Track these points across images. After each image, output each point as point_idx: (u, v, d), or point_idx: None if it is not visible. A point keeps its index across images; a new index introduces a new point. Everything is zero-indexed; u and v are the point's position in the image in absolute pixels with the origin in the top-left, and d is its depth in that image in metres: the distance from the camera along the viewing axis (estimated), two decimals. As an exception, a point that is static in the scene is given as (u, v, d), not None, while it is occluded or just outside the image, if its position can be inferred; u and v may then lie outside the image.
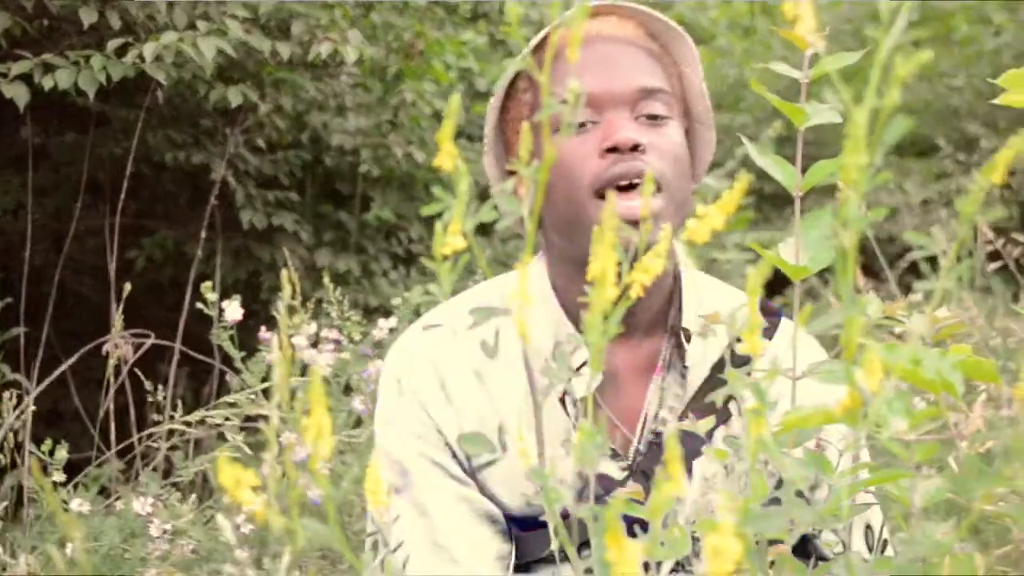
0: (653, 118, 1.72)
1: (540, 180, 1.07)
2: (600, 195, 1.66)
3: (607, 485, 1.68)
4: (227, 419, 2.41)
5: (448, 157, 1.04)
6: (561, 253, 1.77)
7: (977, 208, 1.00)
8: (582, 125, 1.69)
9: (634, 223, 1.57)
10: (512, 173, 1.80)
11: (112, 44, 3.43)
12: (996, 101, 1.30)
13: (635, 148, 1.67)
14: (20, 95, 3.34)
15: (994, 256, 4.64)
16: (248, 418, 2.50)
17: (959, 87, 7.56)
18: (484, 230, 4.72)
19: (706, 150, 1.86)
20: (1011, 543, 1.61)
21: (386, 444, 1.77)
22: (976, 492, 1.02)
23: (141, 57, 3.39)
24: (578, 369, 1.70)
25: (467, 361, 1.76)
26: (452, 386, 1.76)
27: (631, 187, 1.66)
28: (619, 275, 1.05)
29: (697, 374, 1.77)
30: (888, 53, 1.00)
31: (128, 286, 2.82)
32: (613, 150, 1.66)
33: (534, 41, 1.70)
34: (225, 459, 0.89)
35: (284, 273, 1.43)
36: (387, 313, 3.16)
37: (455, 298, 1.84)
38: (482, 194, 1.72)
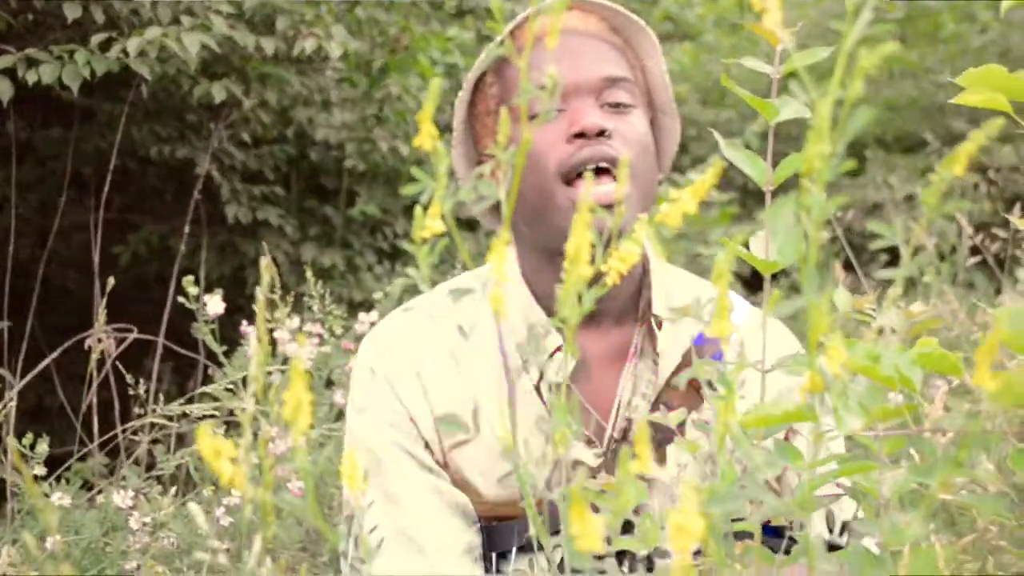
0: (617, 106, 1.74)
1: (518, 163, 1.08)
2: (567, 181, 1.69)
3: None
4: (213, 412, 2.41)
5: (428, 137, 1.05)
6: (529, 242, 1.78)
7: (939, 198, 1.01)
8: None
9: (606, 207, 1.61)
10: (481, 162, 1.82)
11: (96, 39, 3.43)
12: (954, 101, 1.31)
13: (601, 133, 1.69)
14: (3, 90, 3.34)
15: (977, 251, 4.66)
16: (231, 412, 2.51)
17: (945, 84, 7.59)
18: (470, 225, 4.72)
19: (670, 140, 1.87)
20: (976, 532, 1.62)
21: (358, 431, 1.78)
22: (935, 480, 1.03)
23: (125, 52, 3.39)
24: (551, 354, 1.72)
25: (443, 344, 1.77)
26: (427, 370, 1.76)
27: (600, 172, 1.67)
28: (592, 258, 1.05)
29: (669, 361, 1.78)
30: (853, 46, 1.01)
31: (111, 280, 2.82)
32: (580, 135, 1.69)
33: (503, 34, 1.70)
34: (206, 428, 0.90)
35: (263, 262, 1.43)
36: (371, 307, 3.16)
37: (435, 288, 1.85)
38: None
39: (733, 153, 1.35)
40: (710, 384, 1.13)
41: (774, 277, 1.29)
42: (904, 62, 8.23)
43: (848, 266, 4.35)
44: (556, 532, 1.62)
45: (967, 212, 5.34)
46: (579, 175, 1.67)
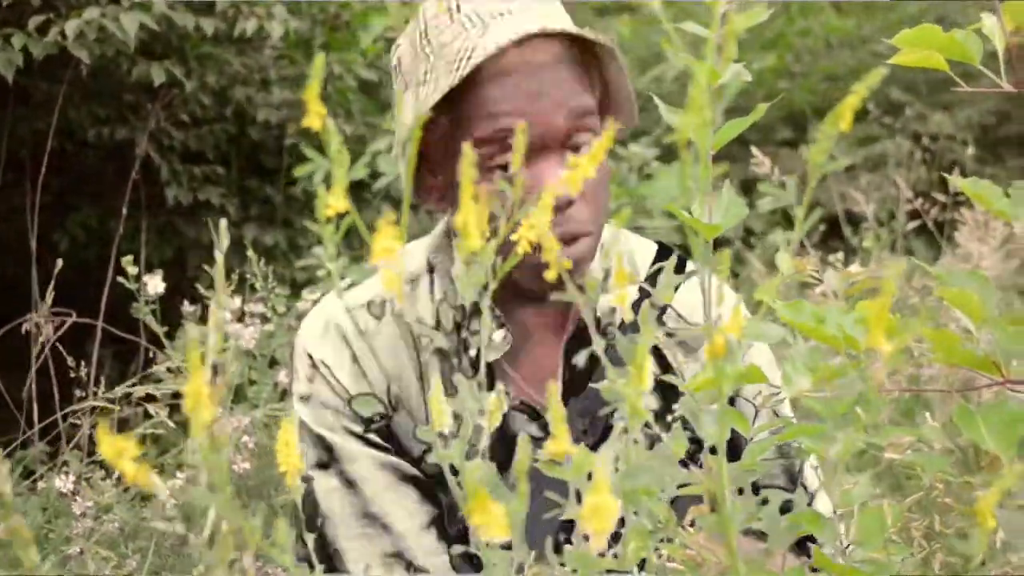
0: (579, 150, 1.65)
1: (410, 157, 1.07)
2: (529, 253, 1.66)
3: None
4: (150, 396, 2.40)
5: (316, 116, 1.01)
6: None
7: (824, 157, 1.00)
8: (507, 169, 1.63)
9: (575, 238, 1.64)
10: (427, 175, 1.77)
11: (33, 21, 3.40)
12: (893, 60, 1.31)
13: (569, 204, 1.64)
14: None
15: (916, 215, 4.70)
16: (176, 395, 2.49)
17: (880, 52, 7.65)
18: (415, 206, 4.70)
19: (629, 121, 1.82)
20: (922, 490, 1.63)
21: (307, 419, 1.78)
22: (884, 441, 1.03)
23: (63, 34, 3.36)
24: (471, 334, 1.73)
25: (357, 324, 1.78)
26: (358, 352, 1.77)
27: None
28: (495, 230, 1.05)
29: (609, 329, 1.78)
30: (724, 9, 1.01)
31: (60, 263, 2.80)
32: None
33: (463, 70, 1.62)
34: (104, 430, 0.88)
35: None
36: (313, 284, 3.16)
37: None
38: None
39: (672, 116, 1.34)
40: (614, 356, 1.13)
41: (715, 245, 1.29)
42: (841, 31, 8.27)
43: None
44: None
45: (906, 179, 5.39)
46: None
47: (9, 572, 1.84)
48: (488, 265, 1.06)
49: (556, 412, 0.96)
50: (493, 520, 0.89)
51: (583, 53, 1.71)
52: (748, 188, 5.59)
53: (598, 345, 1.14)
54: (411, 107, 1.71)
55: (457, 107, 1.65)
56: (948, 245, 4.60)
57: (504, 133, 1.62)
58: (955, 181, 1.23)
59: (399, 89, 1.77)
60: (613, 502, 0.85)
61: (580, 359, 1.31)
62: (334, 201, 1.02)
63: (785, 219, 5.56)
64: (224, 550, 1.01)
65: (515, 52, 1.63)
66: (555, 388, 0.99)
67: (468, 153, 1.01)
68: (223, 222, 1.20)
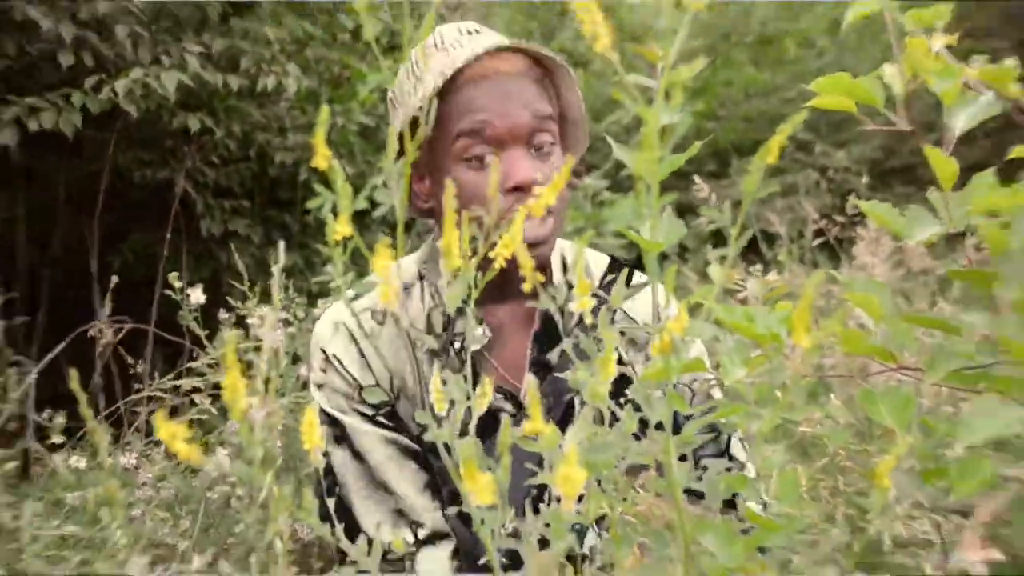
0: (541, 149, 1.69)
1: (406, 176, 1.08)
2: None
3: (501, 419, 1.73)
4: (195, 388, 2.40)
5: (323, 158, 1.03)
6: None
7: (755, 187, 1.03)
8: (482, 159, 1.65)
9: (538, 244, 1.66)
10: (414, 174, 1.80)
11: (89, 81, 3.39)
12: (808, 104, 1.32)
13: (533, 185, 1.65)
14: (9, 138, 3.32)
15: (819, 234, 4.75)
16: (216, 386, 2.50)
17: (791, 98, 7.70)
18: (408, 227, 4.72)
19: (580, 146, 1.86)
20: (828, 457, 1.65)
21: (322, 403, 1.79)
22: (798, 417, 1.05)
23: (115, 92, 3.36)
24: (456, 334, 1.75)
25: (365, 326, 1.79)
26: (364, 348, 1.78)
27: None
28: (475, 250, 1.07)
29: (570, 328, 1.80)
30: (673, 62, 1.03)
31: (115, 278, 2.82)
32: (517, 189, 1.65)
33: (442, 78, 1.65)
34: (161, 418, 0.90)
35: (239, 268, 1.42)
36: (326, 295, 3.16)
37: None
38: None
39: (624, 153, 1.35)
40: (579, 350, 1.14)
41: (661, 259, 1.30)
42: (757, 82, 8.32)
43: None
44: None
45: (812, 203, 5.43)
46: None
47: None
48: (470, 277, 1.08)
49: (533, 399, 0.97)
50: (481, 488, 0.91)
51: (543, 73, 1.75)
52: (682, 212, 5.62)
53: (567, 343, 1.16)
54: (401, 114, 1.73)
55: (441, 107, 1.67)
56: (846, 258, 4.65)
57: (481, 124, 1.65)
58: (860, 205, 1.25)
59: (392, 119, 1.80)
60: (581, 472, 0.87)
61: (553, 356, 1.33)
62: (341, 228, 1.04)
63: (713, 237, 5.58)
64: (272, 511, 1.02)
65: (488, 61, 1.68)
66: (532, 380, 1.01)
67: (450, 187, 1.03)
68: (281, 244, 1.22)
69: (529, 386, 0.98)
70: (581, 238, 1.18)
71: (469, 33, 1.75)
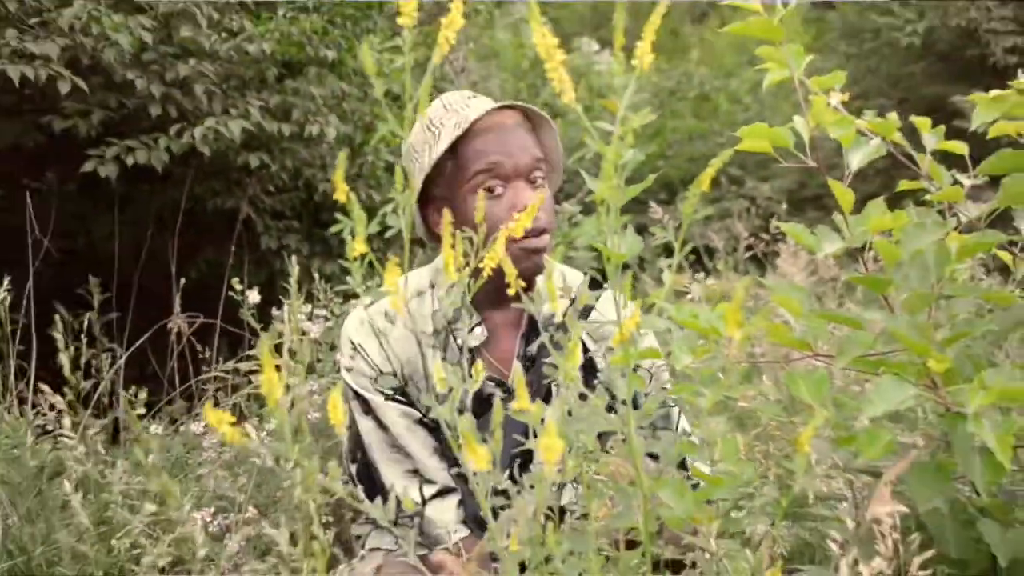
0: (534, 182, 1.73)
1: (412, 203, 1.06)
2: (513, 241, 1.67)
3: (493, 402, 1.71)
4: (252, 370, 2.38)
5: (341, 192, 1.07)
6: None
7: (693, 209, 1.03)
8: (493, 190, 1.69)
9: (538, 251, 1.69)
10: (428, 207, 1.79)
11: (173, 128, 3.41)
12: (738, 148, 1.31)
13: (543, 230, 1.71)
14: (111, 170, 3.34)
15: (749, 248, 4.75)
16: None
17: (722, 142, 7.73)
18: (420, 243, 4.68)
19: (558, 180, 1.86)
20: (760, 427, 1.63)
21: (351, 383, 1.78)
22: (737, 395, 1.03)
23: (192, 136, 3.37)
24: (471, 328, 1.75)
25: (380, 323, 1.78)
26: (383, 342, 1.76)
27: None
28: (467, 263, 1.09)
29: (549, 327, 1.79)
30: (622, 114, 1.02)
31: (183, 281, 2.82)
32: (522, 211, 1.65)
33: (461, 128, 1.69)
34: (209, 406, 0.88)
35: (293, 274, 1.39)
36: (356, 297, 3.14)
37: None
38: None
39: (592, 183, 1.33)
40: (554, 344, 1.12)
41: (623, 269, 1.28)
42: (697, 129, 8.36)
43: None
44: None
45: (744, 224, 5.43)
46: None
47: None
48: (464, 286, 1.10)
49: (519, 382, 0.97)
50: (478, 456, 0.89)
51: (532, 125, 1.78)
52: (640, 231, 5.60)
53: (544, 337, 1.16)
54: (420, 167, 1.74)
55: (457, 155, 1.71)
56: (771, 268, 4.65)
57: (494, 164, 1.69)
58: (781, 226, 1.24)
59: (409, 165, 1.77)
60: (560, 442, 0.85)
61: (532, 347, 1.32)
62: (358, 247, 1.05)
63: (667, 251, 5.55)
64: (305, 477, 0.99)
65: (492, 117, 1.72)
66: (519, 367, 1.00)
67: (447, 216, 1.04)
68: (294, 259, 1.23)
69: (515, 373, 0.97)
70: (555, 252, 1.16)
71: (469, 98, 1.78)
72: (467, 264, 1.13)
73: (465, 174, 1.70)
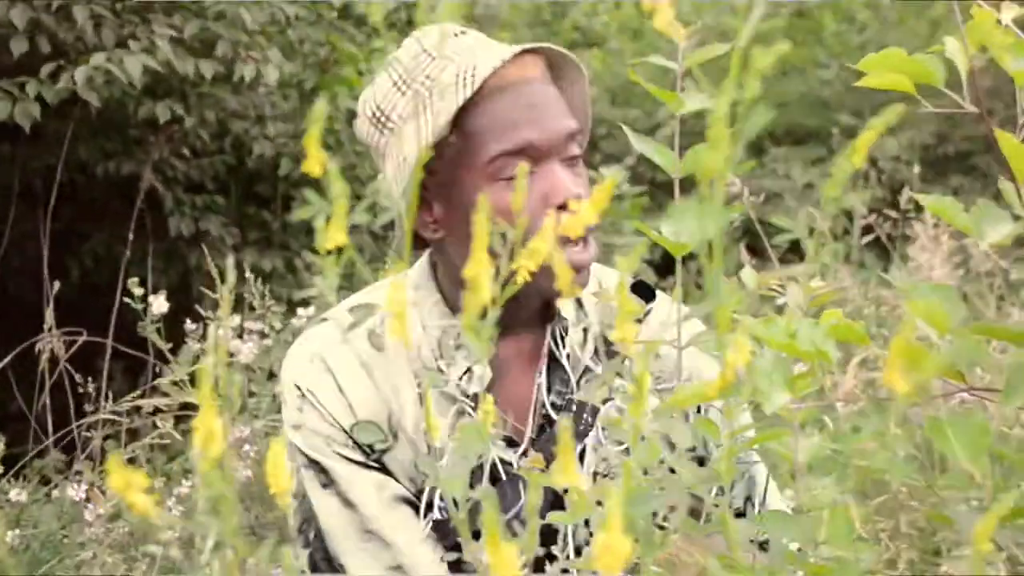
0: (572, 159, 1.66)
1: (414, 188, 1.04)
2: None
3: (505, 470, 1.69)
4: (157, 408, 2.37)
5: (316, 163, 0.97)
6: (460, 266, 1.73)
7: (840, 191, 0.98)
8: (514, 176, 1.56)
9: (581, 268, 1.62)
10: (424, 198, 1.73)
11: (45, 69, 3.40)
12: (858, 84, 1.28)
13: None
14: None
15: (868, 230, 4.71)
16: (184, 406, 2.46)
17: (829, 80, 7.69)
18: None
19: (584, 143, 1.81)
20: (888, 494, 1.61)
21: (302, 447, 1.74)
22: (850, 447, 1.01)
23: (73, 80, 3.36)
24: (465, 373, 1.70)
25: (355, 355, 1.73)
26: (343, 381, 1.72)
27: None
28: (498, 270, 1.02)
29: (578, 359, 1.76)
30: (747, 44, 0.97)
31: (57, 284, 2.80)
32: (563, 207, 1.60)
33: (469, 88, 1.59)
34: (116, 462, 0.85)
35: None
36: (307, 304, 3.13)
37: (350, 297, 1.82)
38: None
39: (643, 145, 1.31)
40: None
41: (684, 261, 1.26)
42: (792, 60, 8.31)
43: (752, 249, 4.37)
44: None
45: (860, 194, 5.41)
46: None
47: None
48: (495, 316, 1.02)
49: (566, 447, 0.94)
50: (504, 561, 0.86)
51: (554, 76, 1.71)
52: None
53: (608, 376, 1.12)
54: (411, 139, 1.66)
55: (463, 126, 1.61)
56: (899, 257, 4.61)
57: (525, 144, 1.60)
58: (920, 198, 1.21)
59: (373, 141, 1.72)
60: (626, 541, 0.80)
61: (594, 396, 1.28)
62: (334, 235, 0.99)
63: (746, 234, 5.53)
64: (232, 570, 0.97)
65: (512, 68, 1.62)
66: (566, 424, 0.95)
67: (484, 203, 0.98)
68: (230, 260, 1.18)
69: (561, 431, 0.92)
70: (632, 252, 1.11)
71: (459, 34, 1.69)
72: (497, 271, 1.07)
73: (479, 156, 1.61)
